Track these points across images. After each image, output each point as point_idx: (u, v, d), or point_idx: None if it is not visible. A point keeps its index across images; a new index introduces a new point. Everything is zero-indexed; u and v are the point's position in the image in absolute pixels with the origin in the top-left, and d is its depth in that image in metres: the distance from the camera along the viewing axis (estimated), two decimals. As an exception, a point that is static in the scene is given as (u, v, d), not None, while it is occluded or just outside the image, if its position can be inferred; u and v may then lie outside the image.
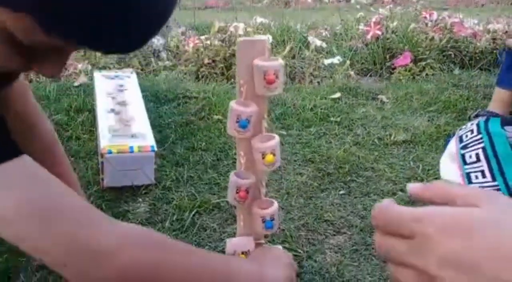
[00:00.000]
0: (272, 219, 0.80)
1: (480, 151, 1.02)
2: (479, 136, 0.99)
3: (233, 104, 0.71)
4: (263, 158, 0.74)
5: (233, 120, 0.71)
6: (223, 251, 0.91)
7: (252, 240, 0.85)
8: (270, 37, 2.24)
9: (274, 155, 0.74)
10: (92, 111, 1.43)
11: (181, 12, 3.90)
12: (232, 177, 0.77)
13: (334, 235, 1.01)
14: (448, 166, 1.09)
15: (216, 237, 0.98)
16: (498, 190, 0.92)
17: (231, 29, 2.04)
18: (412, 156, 1.34)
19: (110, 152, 1.05)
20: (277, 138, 0.75)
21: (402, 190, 1.17)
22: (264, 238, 0.88)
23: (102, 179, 1.07)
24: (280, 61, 0.70)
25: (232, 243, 0.84)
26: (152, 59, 2.01)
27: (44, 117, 0.81)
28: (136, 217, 1.02)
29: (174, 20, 2.95)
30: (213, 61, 1.89)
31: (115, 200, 1.07)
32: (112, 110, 1.21)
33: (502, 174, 0.96)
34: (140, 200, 1.08)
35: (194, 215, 1.03)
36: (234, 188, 0.77)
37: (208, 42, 1.96)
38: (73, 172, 0.82)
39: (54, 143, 0.80)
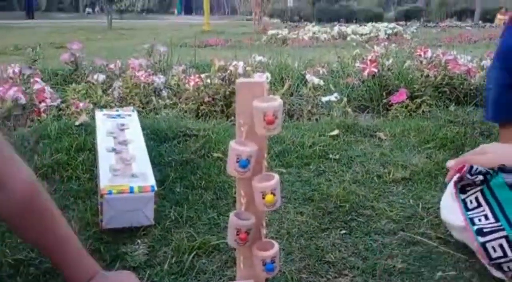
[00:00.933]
0: (273, 262, 0.79)
1: (479, 194, 1.02)
2: (476, 178, 0.99)
3: (233, 144, 0.72)
4: (263, 198, 0.75)
5: (233, 160, 0.72)
6: (223, 295, 0.89)
7: (253, 283, 0.83)
8: (269, 75, 2.30)
9: (274, 194, 0.75)
10: (92, 150, 1.44)
11: (182, 50, 3.99)
12: (232, 217, 0.77)
13: (336, 277, 0.99)
14: (451, 206, 1.08)
15: (215, 281, 0.96)
16: (503, 229, 0.92)
17: (231, 68, 2.09)
18: (411, 194, 1.34)
19: (110, 192, 1.05)
20: (277, 177, 0.76)
21: (403, 230, 1.16)
22: (265, 281, 0.87)
23: (101, 220, 1.07)
24: (279, 101, 0.72)
25: (232, 287, 0.83)
26: (153, 98, 2.04)
27: (17, 171, 0.79)
28: (134, 260, 1.00)
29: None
30: (213, 99, 1.92)
31: (113, 242, 1.06)
32: (113, 149, 1.22)
33: (503, 212, 0.96)
34: (139, 241, 1.06)
35: (193, 258, 1.02)
36: (234, 229, 0.77)
37: (209, 80, 2.00)
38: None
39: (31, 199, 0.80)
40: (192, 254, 1.02)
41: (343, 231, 1.15)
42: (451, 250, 1.10)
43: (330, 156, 1.56)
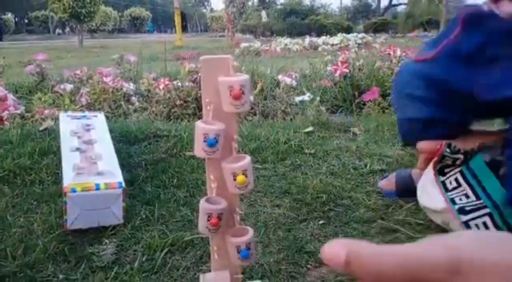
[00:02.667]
0: (248, 248, 0.75)
1: (458, 175, 1.01)
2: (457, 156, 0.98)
3: (199, 123, 0.69)
4: (234, 179, 0.71)
5: (200, 140, 0.68)
6: (198, 291, 0.84)
7: (228, 275, 0.79)
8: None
9: (246, 175, 0.71)
10: (57, 154, 1.37)
11: (153, 63, 3.95)
12: (202, 203, 0.73)
13: (316, 267, 0.95)
14: (430, 191, 1.06)
15: (190, 277, 0.90)
16: (485, 207, 0.90)
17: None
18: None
19: (74, 190, 0.98)
20: (248, 158, 0.72)
21: (382, 218, 1.13)
22: (241, 273, 0.82)
23: (66, 221, 1.00)
24: (246, 76, 0.68)
25: (206, 279, 0.78)
26: (122, 103, 1.98)
27: None
28: (102, 259, 0.94)
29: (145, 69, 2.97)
30: (185, 102, 1.88)
31: (79, 243, 0.99)
32: (78, 149, 1.15)
33: (483, 190, 0.94)
34: (107, 241, 1.00)
35: (165, 254, 0.96)
36: (204, 215, 0.72)
37: (179, 84, 1.96)
38: None
39: None
40: (164, 251, 0.96)
41: (322, 221, 1.11)
42: (433, 235, 1.08)
43: (306, 150, 1.53)
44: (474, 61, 0.85)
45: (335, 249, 0.24)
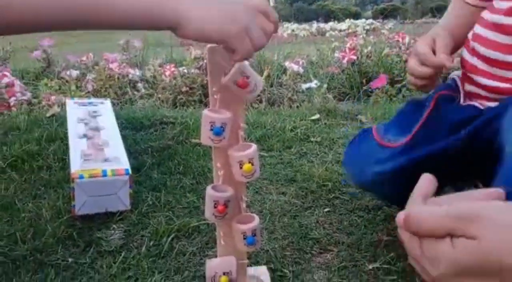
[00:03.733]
0: (254, 235, 0.75)
1: None
2: None
3: (206, 111, 0.69)
4: (241, 168, 0.71)
5: (207, 128, 0.68)
6: (204, 276, 0.85)
7: (234, 260, 0.80)
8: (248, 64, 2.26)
9: (252, 164, 0.71)
10: (64, 140, 1.38)
11: (159, 49, 3.92)
12: (208, 190, 0.73)
13: (321, 253, 0.96)
14: None
15: (196, 262, 0.92)
16: None
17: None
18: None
19: (81, 177, 0.99)
20: (254, 147, 0.72)
21: (387, 206, 1.14)
22: (247, 258, 0.83)
23: (74, 206, 1.01)
24: (246, 63, 0.68)
25: (212, 264, 0.79)
26: (128, 90, 1.99)
27: None
28: (110, 244, 0.95)
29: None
30: (191, 88, 1.88)
31: (87, 228, 1.00)
32: (85, 135, 1.16)
33: None
34: (115, 226, 1.01)
35: (172, 240, 0.97)
36: (211, 202, 0.73)
37: (185, 70, 1.96)
38: None
39: None
40: (171, 237, 0.98)
41: (327, 209, 1.12)
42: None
43: (312, 138, 1.53)
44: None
45: (399, 217, 0.36)
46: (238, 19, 0.54)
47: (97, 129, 1.21)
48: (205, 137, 0.70)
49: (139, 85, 2.06)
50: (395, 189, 0.81)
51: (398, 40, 2.53)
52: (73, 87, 2.16)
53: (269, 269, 0.88)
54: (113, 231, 1.00)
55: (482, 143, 0.75)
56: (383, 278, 0.86)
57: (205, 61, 2.03)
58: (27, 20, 0.48)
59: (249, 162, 0.72)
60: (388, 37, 3.76)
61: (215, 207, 0.73)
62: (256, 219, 0.76)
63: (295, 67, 2.28)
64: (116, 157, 1.08)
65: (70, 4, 0.49)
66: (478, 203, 0.36)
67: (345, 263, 0.92)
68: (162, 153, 1.35)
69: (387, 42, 2.84)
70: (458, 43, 0.89)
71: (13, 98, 1.79)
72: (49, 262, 0.90)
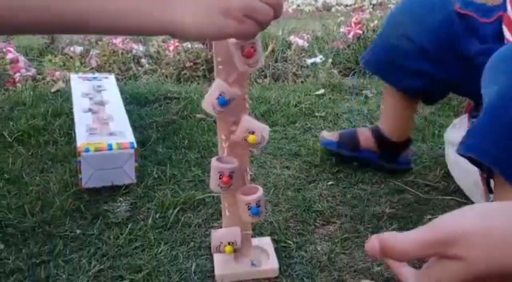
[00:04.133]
0: (258, 206, 0.77)
1: None
2: None
3: (218, 80, 0.69)
4: (245, 140, 0.72)
5: (214, 96, 0.68)
6: (209, 247, 0.87)
7: (238, 230, 0.81)
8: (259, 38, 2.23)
9: (255, 134, 0.72)
10: (70, 115, 1.38)
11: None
12: (214, 162, 0.74)
13: (324, 225, 0.98)
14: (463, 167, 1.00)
15: (202, 233, 0.94)
16: None
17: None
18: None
19: (87, 150, 1.00)
20: (265, 126, 0.72)
21: (391, 179, 1.14)
22: (251, 229, 0.85)
23: (80, 179, 1.03)
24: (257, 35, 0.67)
25: (217, 234, 0.80)
26: (132, 65, 1.98)
27: None
28: (117, 216, 0.97)
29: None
30: (195, 64, 1.87)
31: (94, 201, 1.02)
32: (90, 110, 1.17)
33: None
34: (121, 199, 1.03)
35: (178, 212, 0.99)
36: (216, 173, 0.74)
37: (189, 45, 1.94)
38: None
39: None
40: (177, 209, 0.99)
41: (330, 182, 1.12)
42: (440, 196, 1.09)
43: (316, 113, 1.52)
44: None
45: (372, 244, 0.33)
46: (232, 9, 0.51)
47: (101, 103, 1.21)
48: (208, 105, 0.70)
49: (143, 60, 2.05)
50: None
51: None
52: (77, 63, 2.15)
53: (273, 240, 0.90)
54: (119, 204, 1.01)
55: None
56: (385, 249, 0.87)
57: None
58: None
59: (253, 133, 0.72)
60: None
61: (220, 178, 0.74)
62: (260, 190, 0.77)
63: (300, 42, 2.25)
64: (121, 131, 1.09)
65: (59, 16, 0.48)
66: (452, 221, 0.33)
67: (347, 234, 0.93)
68: (166, 127, 1.35)
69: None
70: None
71: (17, 74, 1.79)
72: (57, 234, 0.92)
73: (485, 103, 0.63)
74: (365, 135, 1.17)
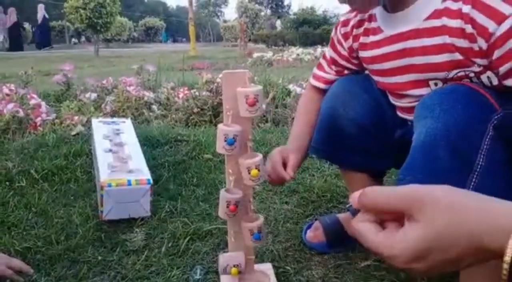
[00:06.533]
0: (260, 232, 0.89)
1: None
2: None
3: (220, 126, 0.83)
4: (249, 173, 0.85)
5: (221, 139, 0.83)
6: (216, 272, 0.98)
7: (243, 255, 0.93)
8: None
9: (258, 170, 0.85)
10: (89, 156, 1.53)
11: (169, 73, 4.12)
12: (222, 193, 0.87)
13: (319, 254, 1.08)
14: None
15: (209, 259, 1.04)
16: None
17: (218, 80, 2.21)
18: (388, 184, 1.44)
19: (109, 185, 1.13)
20: (260, 156, 0.86)
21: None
22: (254, 255, 0.96)
23: (101, 211, 1.15)
24: (259, 87, 0.83)
25: (224, 257, 0.92)
26: (144, 111, 2.14)
27: None
28: (134, 244, 1.08)
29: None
30: (202, 109, 2.03)
31: (113, 231, 1.14)
32: (110, 150, 1.31)
33: None
34: (137, 230, 1.15)
35: (188, 241, 1.10)
36: (224, 202, 0.87)
37: (197, 93, 2.12)
38: None
39: None
40: (187, 239, 1.11)
41: (326, 216, 1.24)
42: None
43: (313, 155, 1.66)
44: None
45: (354, 195, 0.42)
46: None
47: (120, 144, 1.36)
48: (220, 147, 0.84)
49: (154, 106, 2.22)
50: None
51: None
52: (92, 109, 2.32)
53: (274, 266, 1.01)
54: (136, 234, 1.13)
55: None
56: (373, 274, 0.98)
57: (215, 84, 2.19)
58: None
59: (256, 168, 0.86)
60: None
61: (227, 207, 0.86)
62: (261, 219, 0.90)
63: (299, 90, 2.43)
64: (139, 169, 1.23)
65: None
66: (423, 187, 0.39)
67: (340, 261, 1.04)
68: (177, 167, 1.49)
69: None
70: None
71: (39, 119, 1.95)
72: (82, 260, 1.03)
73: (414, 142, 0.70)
74: (350, 223, 1.10)
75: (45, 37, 14.62)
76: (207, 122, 2.02)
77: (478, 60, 0.73)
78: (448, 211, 0.37)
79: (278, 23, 20.96)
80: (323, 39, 12.18)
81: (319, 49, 8.95)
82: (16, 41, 13.61)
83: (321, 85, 1.05)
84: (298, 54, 8.06)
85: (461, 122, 0.66)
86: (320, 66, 1.07)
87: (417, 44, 0.79)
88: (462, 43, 0.73)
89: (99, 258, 1.04)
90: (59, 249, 1.06)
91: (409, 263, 0.38)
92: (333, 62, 1.03)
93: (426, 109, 0.71)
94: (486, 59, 0.71)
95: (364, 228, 0.41)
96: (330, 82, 1.04)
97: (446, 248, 0.37)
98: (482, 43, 0.70)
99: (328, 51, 1.04)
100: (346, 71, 1.03)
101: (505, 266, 0.35)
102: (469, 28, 0.71)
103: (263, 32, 18.30)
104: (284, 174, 0.96)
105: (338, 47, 1.00)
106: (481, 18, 0.69)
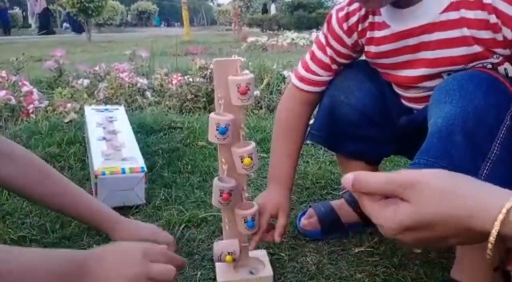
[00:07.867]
0: (253, 219, 0.90)
1: None
2: None
3: (212, 115, 0.83)
4: (241, 162, 0.85)
5: (213, 128, 0.82)
6: (211, 259, 0.98)
7: (237, 242, 0.93)
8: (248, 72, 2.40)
9: (251, 158, 0.85)
10: (83, 143, 1.52)
11: (163, 58, 4.08)
12: (215, 181, 0.87)
13: (313, 240, 1.09)
14: None
15: (205, 247, 1.05)
16: None
17: (212, 66, 2.19)
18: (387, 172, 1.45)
19: (103, 173, 1.13)
20: (253, 144, 0.86)
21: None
22: (248, 242, 0.97)
23: (96, 200, 1.15)
24: (251, 75, 0.83)
25: (219, 245, 0.93)
26: (138, 97, 2.13)
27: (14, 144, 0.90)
28: (129, 232, 1.08)
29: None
30: (196, 96, 2.02)
31: (108, 219, 1.14)
32: (104, 138, 1.30)
33: None
34: (132, 218, 1.15)
35: (183, 229, 1.11)
36: (217, 191, 0.87)
37: (191, 79, 2.10)
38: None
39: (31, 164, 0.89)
40: (182, 226, 1.11)
41: (320, 203, 1.25)
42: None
43: (307, 141, 1.66)
44: None
45: (347, 179, 0.45)
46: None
47: (114, 132, 1.35)
48: (212, 136, 0.84)
49: (147, 93, 2.20)
50: None
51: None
52: (85, 96, 2.30)
53: (268, 253, 1.02)
54: (131, 222, 1.13)
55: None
56: (366, 260, 0.99)
57: (208, 70, 2.17)
58: None
59: (249, 157, 0.86)
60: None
61: (220, 195, 0.87)
62: (255, 206, 0.90)
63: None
64: (132, 157, 1.22)
65: None
66: (416, 171, 0.43)
67: (334, 248, 1.05)
68: (171, 154, 1.49)
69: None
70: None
71: (31, 106, 1.93)
72: (77, 248, 1.03)
73: (431, 128, 0.70)
74: (344, 211, 1.09)
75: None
76: (201, 109, 2.01)
77: (500, 51, 0.73)
78: (438, 194, 0.40)
79: (273, 7, 20.76)
80: (318, 23, 12.09)
81: (314, 33, 8.88)
82: (46, 26, 13.95)
83: (316, 89, 0.99)
84: (293, 39, 8.00)
85: (481, 109, 0.66)
86: (307, 68, 0.99)
87: (433, 38, 0.78)
88: (483, 34, 0.72)
89: (94, 246, 1.04)
90: (54, 237, 1.06)
91: (395, 235, 0.43)
92: (332, 61, 0.97)
93: (445, 95, 0.71)
94: (509, 49, 0.72)
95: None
96: (324, 84, 0.99)
97: (433, 226, 0.40)
98: (507, 33, 0.70)
99: (318, 52, 0.97)
100: (341, 67, 0.99)
101: (490, 246, 0.38)
102: (493, 18, 0.70)
103: (257, 16, 18.12)
104: (270, 238, 0.97)
105: (337, 45, 0.95)
106: (506, 7, 0.69)
